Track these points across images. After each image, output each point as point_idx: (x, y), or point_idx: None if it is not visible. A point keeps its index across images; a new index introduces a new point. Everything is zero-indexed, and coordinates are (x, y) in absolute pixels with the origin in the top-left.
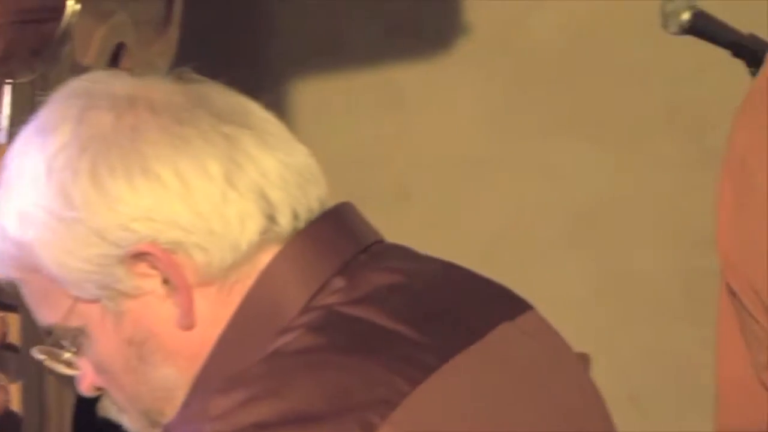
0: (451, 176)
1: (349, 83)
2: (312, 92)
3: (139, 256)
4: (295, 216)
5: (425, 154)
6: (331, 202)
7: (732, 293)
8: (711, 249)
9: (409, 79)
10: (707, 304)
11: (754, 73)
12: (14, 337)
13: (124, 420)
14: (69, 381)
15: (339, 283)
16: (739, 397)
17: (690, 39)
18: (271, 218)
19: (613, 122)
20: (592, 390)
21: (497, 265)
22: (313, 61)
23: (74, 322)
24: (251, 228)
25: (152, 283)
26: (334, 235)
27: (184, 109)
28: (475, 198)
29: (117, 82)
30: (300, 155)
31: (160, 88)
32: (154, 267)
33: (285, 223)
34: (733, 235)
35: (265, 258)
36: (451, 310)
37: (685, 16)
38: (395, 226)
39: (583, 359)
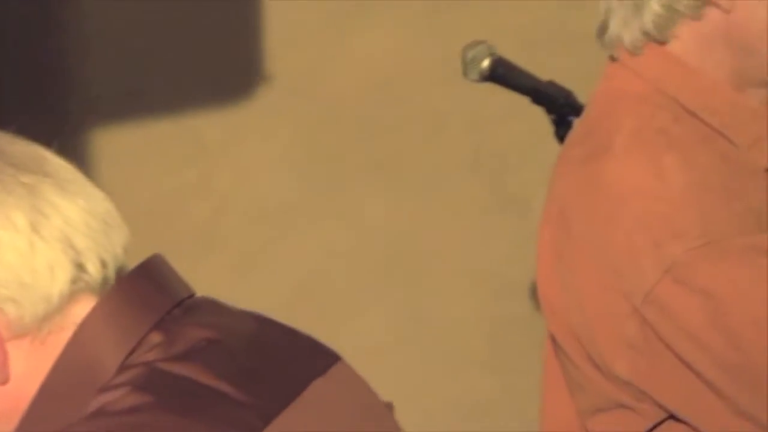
0: (254, 225)
1: (150, 132)
2: (113, 141)
3: None
4: (103, 264)
5: (229, 203)
6: (134, 254)
7: (554, 340)
8: (514, 296)
9: (210, 127)
10: (510, 352)
11: (553, 120)
12: None
13: None
14: None
15: (156, 338)
16: None
17: (490, 86)
18: (79, 266)
19: (416, 169)
20: None
21: (303, 313)
22: (113, 110)
23: None
24: (61, 278)
25: None
26: (148, 290)
27: None
28: (279, 246)
29: None
30: (100, 201)
31: None
32: None
33: (94, 271)
34: (553, 282)
35: (77, 308)
36: (267, 367)
37: (485, 63)
38: (200, 276)
39: (388, 408)
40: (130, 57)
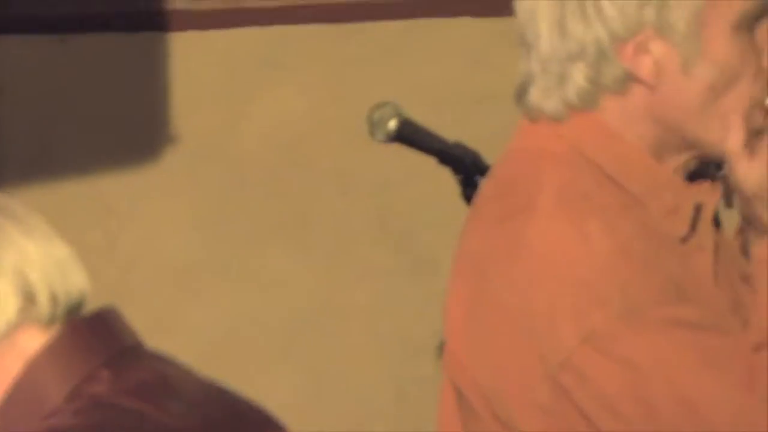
0: (162, 286)
1: (54, 193)
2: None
3: None
4: (54, 299)
5: (135, 264)
6: None
7: (458, 393)
8: (422, 358)
9: (116, 188)
10: (417, 412)
11: (460, 181)
12: None
13: None
14: None
15: (105, 374)
16: None
17: (397, 147)
18: (29, 298)
19: (324, 230)
20: None
21: (213, 372)
22: (17, 171)
23: None
24: (10, 307)
25: None
26: (99, 333)
27: None
28: (188, 306)
29: None
30: (62, 247)
31: None
32: None
33: (44, 304)
34: (465, 337)
35: (24, 337)
36: (218, 409)
37: (392, 124)
38: None
39: None
40: (33, 117)
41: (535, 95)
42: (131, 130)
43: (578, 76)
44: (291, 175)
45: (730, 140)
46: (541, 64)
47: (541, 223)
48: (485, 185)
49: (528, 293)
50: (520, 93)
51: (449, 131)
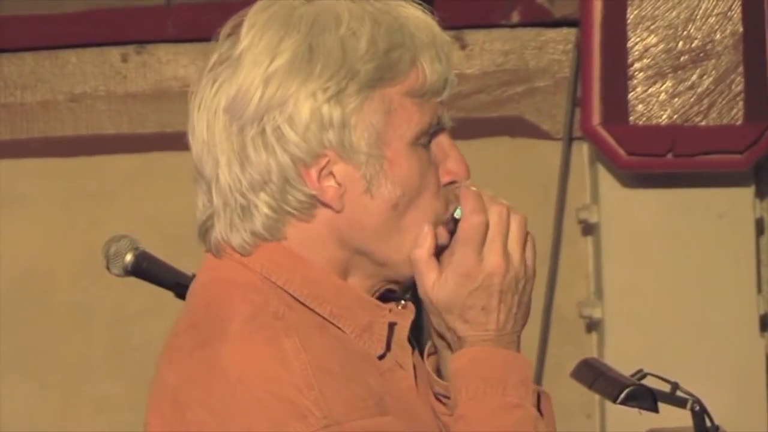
0: None
1: None
2: None
3: None
4: None
5: None
6: None
7: None
8: None
9: None
10: None
11: None
12: None
13: None
14: None
15: None
16: None
17: (134, 280)
18: None
19: (60, 363)
20: None
21: None
22: None
23: None
24: None
25: None
26: None
27: None
28: None
29: None
30: None
31: None
32: None
33: None
34: None
35: None
36: None
37: (128, 257)
38: None
39: None
40: None
41: (220, 230)
42: None
43: (262, 206)
44: (24, 308)
45: (419, 249)
46: (222, 198)
47: (233, 347)
48: (177, 321)
49: (226, 415)
50: (203, 229)
51: (186, 264)
